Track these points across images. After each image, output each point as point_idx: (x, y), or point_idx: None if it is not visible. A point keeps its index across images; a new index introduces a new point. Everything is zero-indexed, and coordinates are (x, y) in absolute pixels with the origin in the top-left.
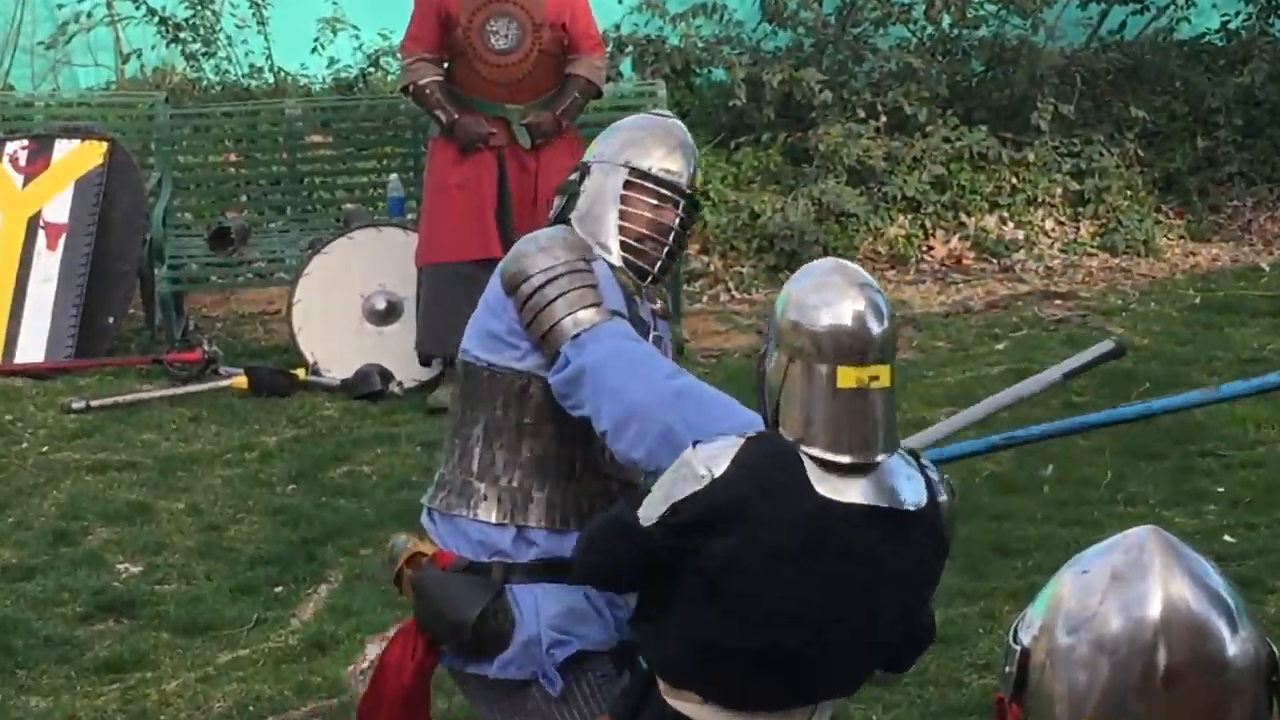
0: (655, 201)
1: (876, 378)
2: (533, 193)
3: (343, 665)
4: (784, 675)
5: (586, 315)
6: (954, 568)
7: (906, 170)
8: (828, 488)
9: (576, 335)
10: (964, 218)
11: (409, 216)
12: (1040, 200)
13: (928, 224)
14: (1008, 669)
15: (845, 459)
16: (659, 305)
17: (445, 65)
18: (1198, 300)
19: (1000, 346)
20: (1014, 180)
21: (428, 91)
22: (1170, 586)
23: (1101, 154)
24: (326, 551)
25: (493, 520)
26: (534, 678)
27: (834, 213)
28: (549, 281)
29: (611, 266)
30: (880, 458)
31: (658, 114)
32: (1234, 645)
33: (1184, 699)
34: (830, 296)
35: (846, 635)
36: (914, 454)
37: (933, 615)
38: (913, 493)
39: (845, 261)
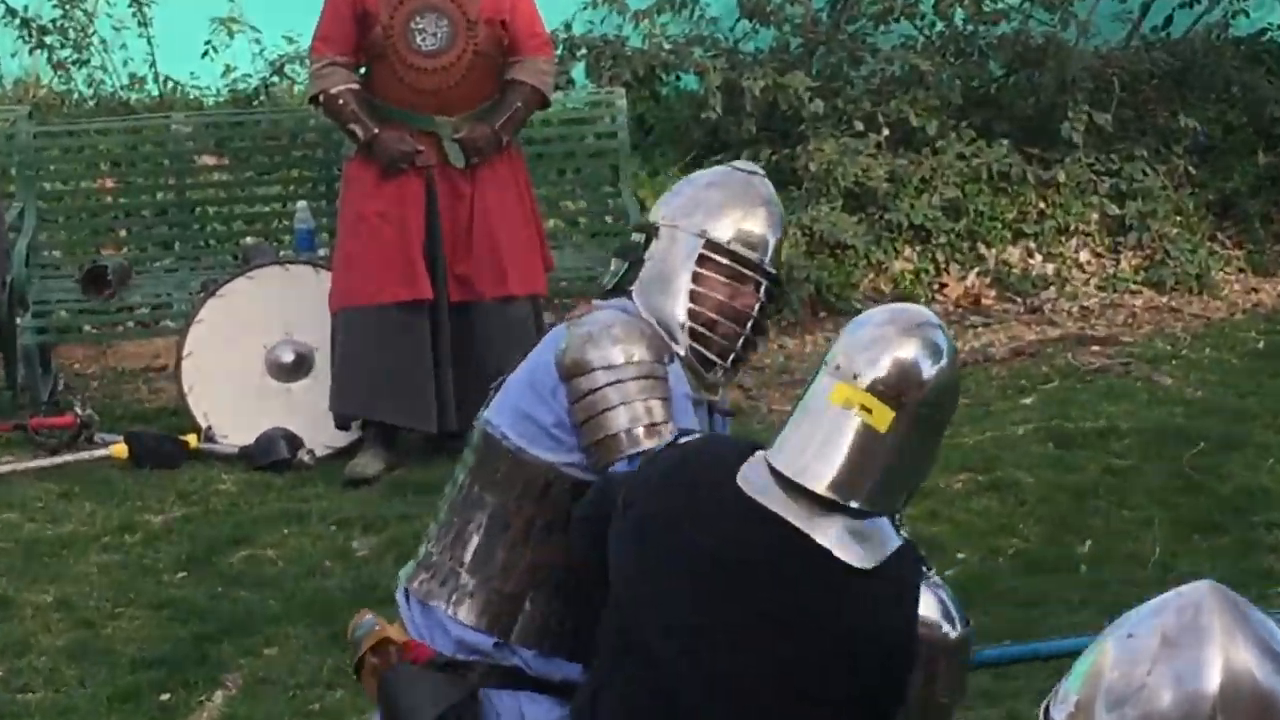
0: (733, 280)
1: (869, 410)
2: (468, 221)
3: None
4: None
5: (650, 434)
6: None
7: (914, 193)
8: (768, 499)
9: (633, 455)
10: (983, 249)
11: (320, 252)
12: (1073, 228)
13: (940, 257)
14: None
15: (802, 481)
16: (719, 397)
17: (362, 70)
18: (1261, 344)
19: (1027, 401)
20: (1042, 204)
21: (341, 102)
22: (1231, 654)
23: (1145, 173)
24: (223, 651)
25: (474, 625)
26: None
27: (828, 244)
28: (614, 384)
29: (679, 358)
30: (852, 503)
31: (740, 168)
32: None
33: None
34: (878, 351)
35: (744, 685)
36: (915, 549)
37: None
38: (868, 550)
39: (905, 306)
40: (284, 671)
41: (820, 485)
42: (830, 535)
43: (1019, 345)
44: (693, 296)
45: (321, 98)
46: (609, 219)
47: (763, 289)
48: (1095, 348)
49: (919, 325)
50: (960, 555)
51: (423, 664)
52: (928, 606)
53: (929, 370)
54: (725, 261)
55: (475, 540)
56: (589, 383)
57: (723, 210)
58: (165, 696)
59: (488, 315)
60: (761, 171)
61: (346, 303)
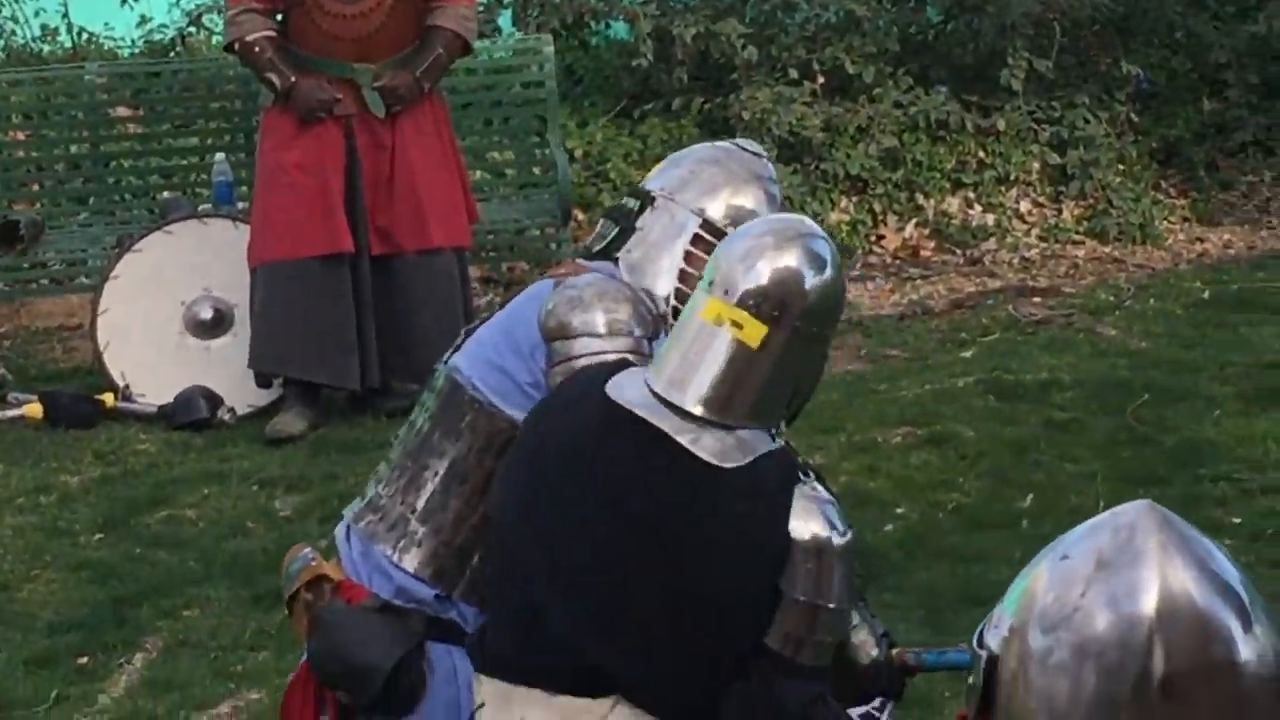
0: None
1: (739, 326)
2: (389, 171)
3: None
4: (517, 611)
5: None
6: (914, 619)
7: (850, 143)
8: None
9: None
10: (921, 200)
11: (239, 205)
12: (1014, 178)
13: (877, 208)
14: (971, 680)
15: (671, 398)
16: None
17: (279, 18)
18: (1206, 295)
19: (967, 354)
20: (981, 154)
21: (258, 49)
22: (1169, 575)
23: (1087, 120)
24: (142, 614)
25: (418, 574)
26: None
27: None
28: (597, 354)
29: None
30: (726, 420)
31: (745, 147)
32: (1247, 648)
33: (1186, 712)
34: (751, 264)
35: (592, 582)
36: (791, 454)
37: (796, 695)
38: (733, 452)
39: (785, 216)
40: (205, 634)
41: (690, 402)
42: (694, 439)
43: (958, 297)
44: (681, 276)
45: (237, 45)
46: (537, 170)
47: None
48: (1036, 299)
49: (796, 236)
50: (899, 511)
51: (359, 605)
52: (805, 511)
53: (805, 282)
54: (713, 241)
55: (430, 488)
56: (568, 350)
57: (722, 190)
58: (83, 660)
59: (410, 268)
60: (764, 153)
61: (265, 257)
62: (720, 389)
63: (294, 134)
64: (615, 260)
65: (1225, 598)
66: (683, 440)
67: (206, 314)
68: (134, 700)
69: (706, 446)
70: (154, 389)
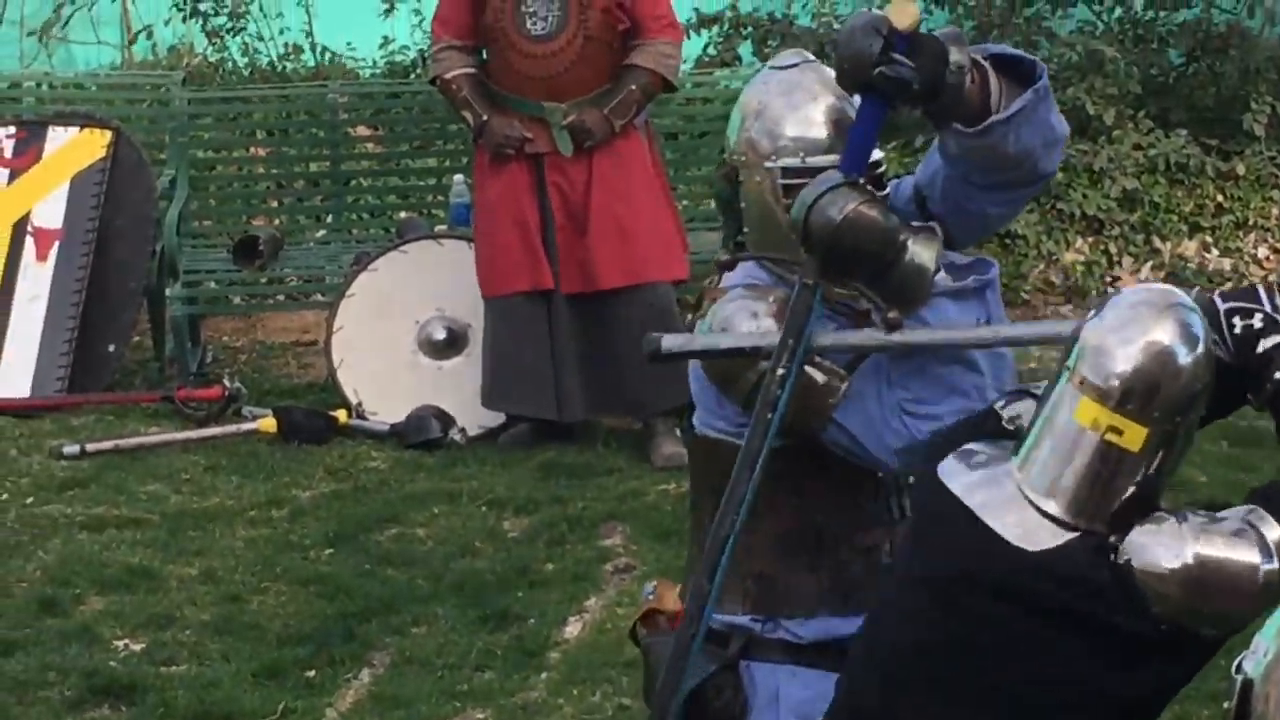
0: None
1: (1119, 431)
2: (584, 210)
3: None
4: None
5: (830, 392)
6: None
7: (1088, 184)
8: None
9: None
10: (1158, 242)
11: None
12: (1252, 222)
13: (1113, 249)
14: (1227, 705)
15: (1051, 506)
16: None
17: (483, 54)
18: None
19: None
20: (1220, 197)
21: (454, 87)
22: None
23: None
24: (370, 629)
25: (741, 614)
26: None
27: (998, 233)
28: (768, 374)
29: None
30: (1095, 528)
31: (778, 65)
32: None
33: None
34: (1132, 332)
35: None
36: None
37: None
38: (1038, 531)
39: (1156, 286)
40: (432, 652)
41: (1065, 511)
42: (1004, 520)
43: None
44: (792, 226)
45: (438, 82)
46: None
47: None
48: None
49: (1172, 306)
50: None
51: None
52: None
53: (1194, 366)
54: (807, 180)
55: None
56: (745, 387)
57: (781, 126)
58: (310, 674)
59: (617, 303)
60: (799, 59)
61: (483, 293)
62: (1103, 500)
63: (492, 171)
64: (744, 247)
65: None
66: (987, 518)
67: (440, 334)
68: (360, 715)
69: (1013, 526)
70: (386, 407)
